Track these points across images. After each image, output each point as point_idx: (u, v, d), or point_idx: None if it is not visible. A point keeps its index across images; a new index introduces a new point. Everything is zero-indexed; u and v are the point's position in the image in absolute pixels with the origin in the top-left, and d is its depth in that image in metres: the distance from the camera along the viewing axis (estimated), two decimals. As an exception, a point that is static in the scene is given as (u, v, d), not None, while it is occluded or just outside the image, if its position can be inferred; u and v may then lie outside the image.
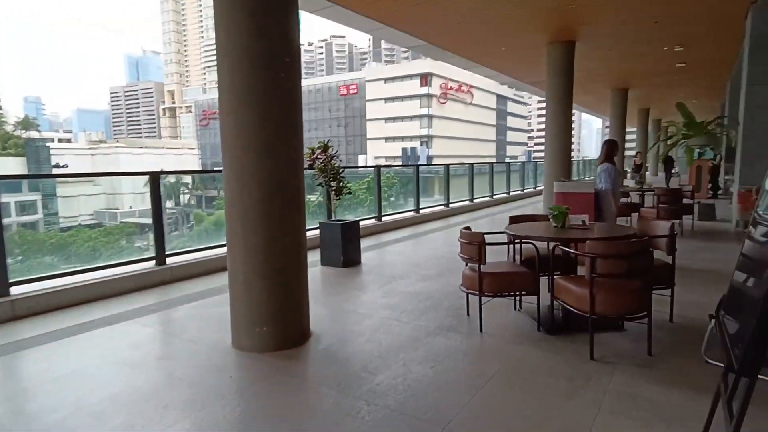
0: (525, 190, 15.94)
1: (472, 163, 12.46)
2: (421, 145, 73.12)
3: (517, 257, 4.01)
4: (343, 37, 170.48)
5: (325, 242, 5.75)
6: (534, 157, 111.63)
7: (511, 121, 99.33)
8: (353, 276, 5.36)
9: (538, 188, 16.90)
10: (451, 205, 11.04)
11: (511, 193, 14.63)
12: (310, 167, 5.65)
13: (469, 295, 3.70)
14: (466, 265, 3.63)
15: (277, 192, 3.23)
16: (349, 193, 6.01)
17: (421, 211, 9.94)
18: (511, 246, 4.09)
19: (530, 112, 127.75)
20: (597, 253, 2.89)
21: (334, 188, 5.76)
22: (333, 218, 6.07)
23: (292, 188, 3.33)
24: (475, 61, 11.37)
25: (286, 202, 3.29)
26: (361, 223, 6.72)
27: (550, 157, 9.67)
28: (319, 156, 5.68)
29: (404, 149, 71.15)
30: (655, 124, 27.88)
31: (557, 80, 9.51)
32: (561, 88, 9.51)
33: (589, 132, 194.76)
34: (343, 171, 5.81)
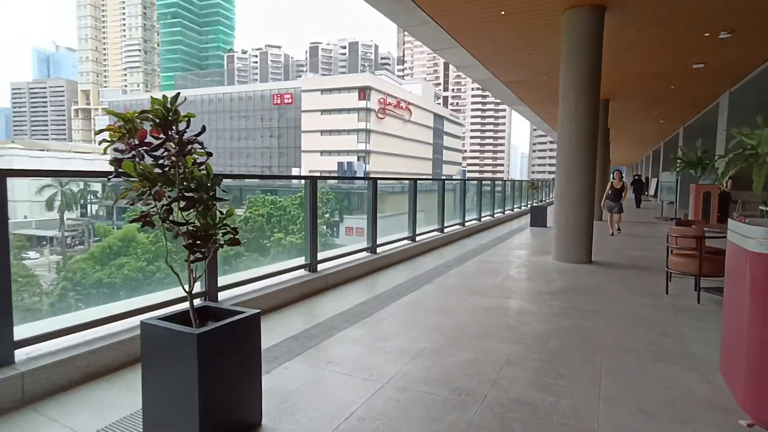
0: (495, 215, 13.00)
1: (445, 178, 9.20)
2: (359, 160, 70.20)
3: None
4: (279, 47, 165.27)
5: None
6: (468, 176, 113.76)
7: (446, 141, 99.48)
8: None
9: (509, 212, 14.14)
10: (418, 238, 7.64)
11: (482, 219, 11.58)
12: (116, 170, 1.96)
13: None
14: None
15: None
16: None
17: (378, 250, 6.42)
18: None
19: (464, 132, 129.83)
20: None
21: (194, 227, 2.07)
22: (190, 292, 2.25)
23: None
24: (458, 39, 8.18)
25: None
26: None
27: (573, 164, 6.65)
28: (152, 137, 2.02)
29: (340, 163, 67.77)
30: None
31: (584, 60, 6.53)
32: (586, 71, 6.55)
33: (516, 156, 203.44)
34: (219, 182, 2.12)
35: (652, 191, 26.12)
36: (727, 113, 12.32)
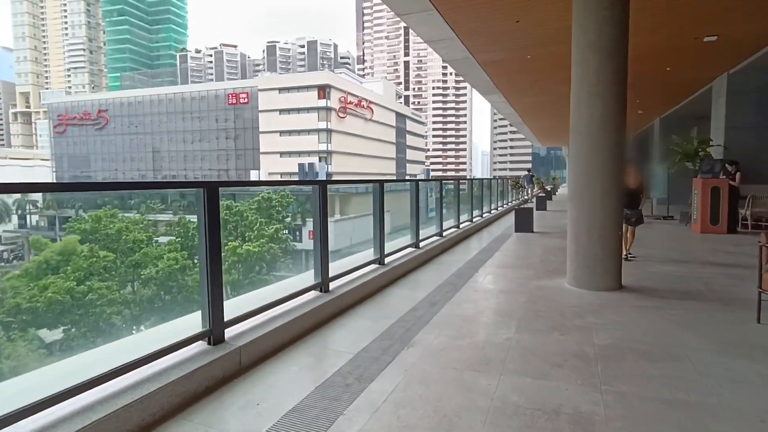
0: (474, 220, 11.21)
1: (442, 179, 7.27)
2: (320, 160, 67.76)
3: None
4: (235, 46, 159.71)
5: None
6: (432, 175, 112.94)
7: (409, 140, 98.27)
8: None
9: (487, 215, 12.43)
10: (387, 260, 5.68)
11: (461, 226, 9.74)
12: None
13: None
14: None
15: None
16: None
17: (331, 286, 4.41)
18: None
19: (426, 131, 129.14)
20: None
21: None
22: None
23: None
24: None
25: None
26: None
27: (595, 155, 4.86)
28: None
29: (301, 165, 65.10)
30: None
31: (606, 13, 4.75)
32: (609, 27, 4.78)
33: (477, 155, 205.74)
34: None
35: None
36: (725, 98, 11.03)
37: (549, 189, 22.77)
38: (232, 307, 3.18)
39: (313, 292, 4.16)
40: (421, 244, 7.14)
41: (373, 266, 5.38)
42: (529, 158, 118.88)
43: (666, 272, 5.91)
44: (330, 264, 4.33)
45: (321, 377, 2.88)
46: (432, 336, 3.62)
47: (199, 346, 2.90)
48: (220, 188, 2.98)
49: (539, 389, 2.71)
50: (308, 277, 4.26)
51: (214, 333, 2.94)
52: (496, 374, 2.90)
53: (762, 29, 8.01)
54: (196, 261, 23.47)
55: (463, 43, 8.30)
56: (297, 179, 44.45)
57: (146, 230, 25.56)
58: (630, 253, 6.87)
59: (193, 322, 3.01)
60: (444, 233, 8.43)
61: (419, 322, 3.96)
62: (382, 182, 5.48)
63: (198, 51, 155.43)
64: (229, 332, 3.08)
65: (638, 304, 4.45)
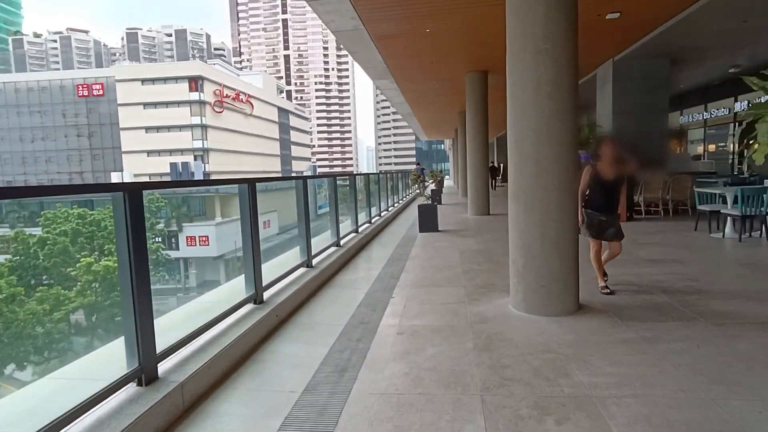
0: (373, 220, 9.75)
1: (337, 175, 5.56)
2: (196, 159, 61.73)
3: None
4: (87, 32, 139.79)
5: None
6: (319, 172, 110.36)
7: (294, 136, 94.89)
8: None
9: (386, 213, 11.09)
10: (266, 295, 3.92)
11: (360, 229, 8.19)
12: None
13: None
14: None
15: None
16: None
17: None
18: None
19: (311, 127, 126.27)
20: None
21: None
22: None
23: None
24: None
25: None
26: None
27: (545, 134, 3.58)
28: None
29: (173, 164, 58.57)
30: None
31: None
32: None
33: (363, 150, 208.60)
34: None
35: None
36: (611, 84, 11.01)
37: (440, 181, 22.50)
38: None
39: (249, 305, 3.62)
40: (316, 260, 5.42)
41: (250, 308, 3.57)
42: (413, 152, 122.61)
43: (625, 280, 4.95)
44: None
45: None
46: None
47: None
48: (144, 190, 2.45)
49: None
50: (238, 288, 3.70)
51: (145, 371, 2.32)
52: None
53: (662, 4, 7.68)
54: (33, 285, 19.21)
55: (353, 5, 6.70)
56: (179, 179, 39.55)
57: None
58: (606, 285, 4.34)
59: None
60: (342, 241, 6.80)
61: (320, 418, 2.28)
62: (305, 179, 4.73)
63: (38, 35, 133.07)
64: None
65: (620, 335, 3.27)
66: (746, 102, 14.38)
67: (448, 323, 3.70)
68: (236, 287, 3.84)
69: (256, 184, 3.71)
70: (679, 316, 3.63)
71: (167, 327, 2.89)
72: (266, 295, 3.94)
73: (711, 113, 16.37)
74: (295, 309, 4.18)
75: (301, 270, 4.97)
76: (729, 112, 15.31)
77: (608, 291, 4.30)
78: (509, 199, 3.98)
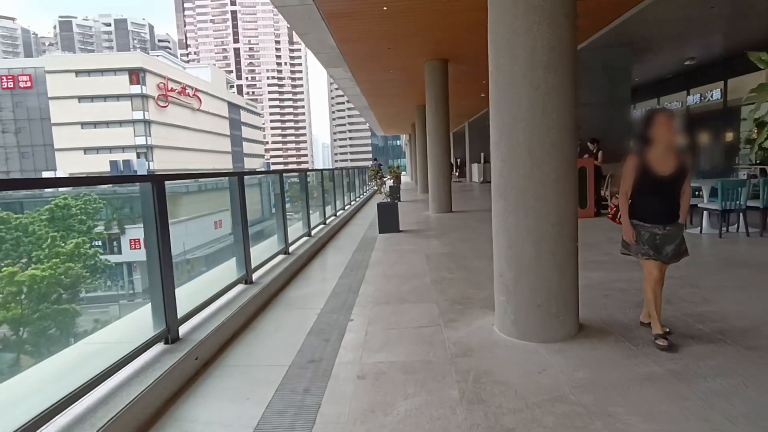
0: (329, 220, 8.84)
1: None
2: (139, 157, 58.07)
3: None
4: (14, 19, 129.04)
5: None
6: (272, 168, 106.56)
7: (246, 132, 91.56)
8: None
9: (342, 212, 10.19)
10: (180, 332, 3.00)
11: (313, 232, 7.27)
12: None
13: None
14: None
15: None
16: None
17: None
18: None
19: (264, 123, 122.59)
20: None
21: None
22: None
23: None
24: None
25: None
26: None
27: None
28: None
29: (114, 162, 54.74)
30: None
31: None
32: None
33: (318, 147, 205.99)
34: None
35: (476, 176, 25.46)
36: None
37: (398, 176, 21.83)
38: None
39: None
40: (257, 273, 4.48)
41: (162, 344, 2.62)
42: (370, 149, 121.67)
43: (593, 284, 4.32)
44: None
45: None
46: None
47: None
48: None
49: None
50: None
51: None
52: None
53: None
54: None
55: (299, -27, 5.76)
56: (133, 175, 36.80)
57: None
58: (665, 335, 2.94)
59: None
60: (291, 247, 5.87)
61: None
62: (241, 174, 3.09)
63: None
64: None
65: (642, 370, 2.57)
66: (698, 95, 14.54)
67: (422, 358, 2.90)
68: (141, 320, 2.88)
69: (166, 182, 2.75)
70: (700, 337, 2.99)
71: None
72: (184, 329, 2.98)
73: (664, 106, 16.51)
74: (226, 343, 3.24)
75: (238, 288, 4.02)
76: (681, 105, 15.47)
77: (666, 344, 2.82)
78: (494, 197, 3.21)
